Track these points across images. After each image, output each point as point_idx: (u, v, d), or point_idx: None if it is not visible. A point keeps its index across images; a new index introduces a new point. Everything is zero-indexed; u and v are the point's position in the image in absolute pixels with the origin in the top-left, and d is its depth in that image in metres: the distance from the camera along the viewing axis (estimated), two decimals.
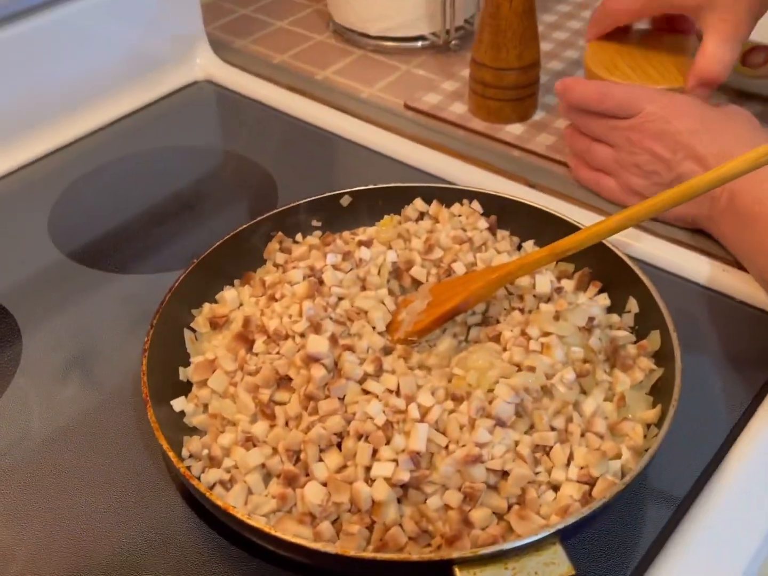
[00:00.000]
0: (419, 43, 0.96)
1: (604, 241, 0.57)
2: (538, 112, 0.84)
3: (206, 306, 0.59)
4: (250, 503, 0.47)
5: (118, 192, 0.78)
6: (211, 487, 0.48)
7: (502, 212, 0.64)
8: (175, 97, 0.90)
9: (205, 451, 0.50)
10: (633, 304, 0.57)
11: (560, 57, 0.92)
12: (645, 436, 0.50)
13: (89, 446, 0.55)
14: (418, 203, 0.66)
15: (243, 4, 1.07)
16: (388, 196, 0.66)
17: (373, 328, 0.56)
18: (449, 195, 0.66)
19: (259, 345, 0.54)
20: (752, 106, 0.84)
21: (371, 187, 0.66)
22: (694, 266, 0.66)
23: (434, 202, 0.65)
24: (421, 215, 0.66)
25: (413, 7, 0.92)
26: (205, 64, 0.93)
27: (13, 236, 0.73)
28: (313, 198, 0.65)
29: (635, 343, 0.56)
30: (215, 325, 0.58)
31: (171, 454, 0.47)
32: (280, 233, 0.64)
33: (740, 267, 0.65)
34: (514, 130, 0.82)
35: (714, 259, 0.67)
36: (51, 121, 0.82)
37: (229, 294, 0.59)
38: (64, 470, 0.54)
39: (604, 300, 0.59)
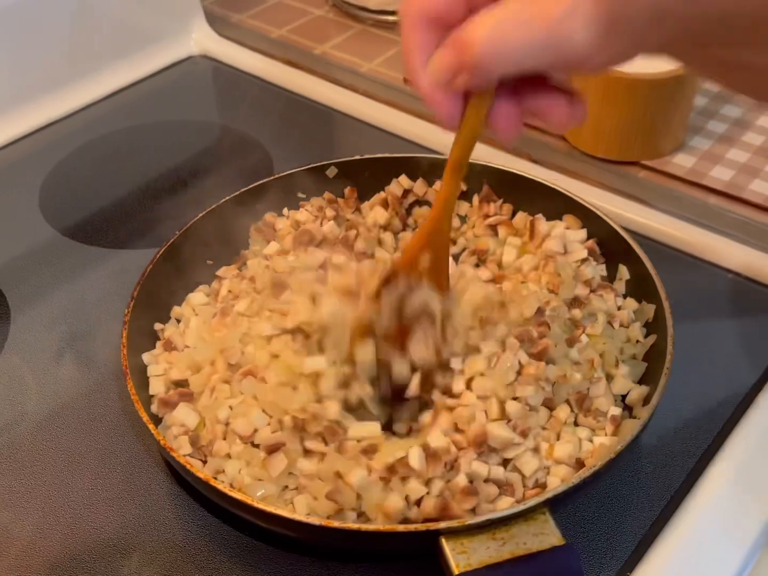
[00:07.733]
0: None
1: (598, 213, 0.57)
2: None
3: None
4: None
5: (111, 167, 0.77)
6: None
7: (497, 184, 0.63)
8: (171, 71, 0.89)
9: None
10: (624, 272, 0.57)
11: None
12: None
13: (83, 424, 0.55)
14: (403, 180, 0.64)
15: None
16: (374, 168, 0.64)
17: None
18: (438, 166, 0.63)
19: None
20: None
21: (357, 158, 0.65)
22: (696, 239, 0.65)
23: (419, 180, 0.64)
24: (405, 192, 0.64)
25: None
26: (201, 39, 0.91)
27: (4, 213, 0.72)
28: (298, 169, 0.64)
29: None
30: None
31: (154, 431, 0.47)
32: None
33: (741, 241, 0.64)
34: None
35: (718, 233, 0.66)
36: (43, 95, 0.81)
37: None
38: (59, 450, 0.53)
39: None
